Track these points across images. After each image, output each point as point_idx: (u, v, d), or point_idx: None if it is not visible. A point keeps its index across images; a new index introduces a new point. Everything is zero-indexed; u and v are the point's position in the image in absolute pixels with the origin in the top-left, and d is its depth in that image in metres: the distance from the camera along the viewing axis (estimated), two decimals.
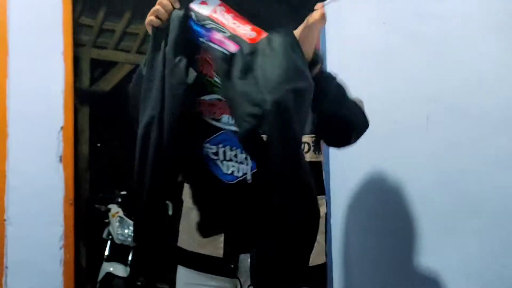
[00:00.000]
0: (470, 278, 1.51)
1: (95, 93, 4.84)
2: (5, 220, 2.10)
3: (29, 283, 2.12)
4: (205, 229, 1.22)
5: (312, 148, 1.28)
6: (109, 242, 3.31)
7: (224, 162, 1.16)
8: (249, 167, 1.15)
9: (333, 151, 2.15)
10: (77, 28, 4.46)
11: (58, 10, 2.30)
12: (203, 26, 1.07)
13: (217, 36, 1.05)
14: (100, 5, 4.27)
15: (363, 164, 1.95)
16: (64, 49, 2.29)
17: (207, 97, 1.17)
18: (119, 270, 3.11)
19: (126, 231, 3.26)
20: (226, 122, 1.16)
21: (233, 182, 1.16)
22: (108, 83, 5.01)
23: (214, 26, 1.06)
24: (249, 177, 1.16)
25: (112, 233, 3.32)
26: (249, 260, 1.19)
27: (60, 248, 2.22)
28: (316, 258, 1.21)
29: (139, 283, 3.44)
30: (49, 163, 2.22)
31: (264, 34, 1.05)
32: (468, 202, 1.56)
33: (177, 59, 1.07)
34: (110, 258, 3.23)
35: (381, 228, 1.88)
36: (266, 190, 1.08)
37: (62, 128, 2.25)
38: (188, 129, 1.14)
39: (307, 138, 1.27)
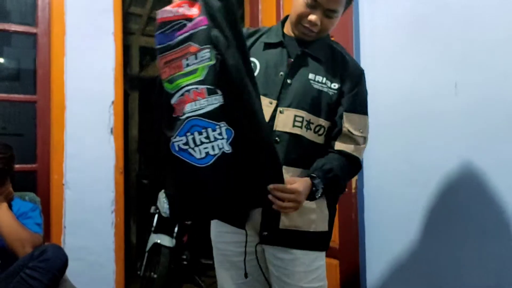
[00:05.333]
0: None
1: (144, 79, 5.10)
2: (63, 184, 2.33)
3: (85, 241, 2.35)
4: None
5: (325, 132, 1.37)
6: (156, 216, 3.52)
7: (196, 148, 1.18)
8: (224, 140, 1.18)
9: None
10: (127, 17, 4.73)
11: None
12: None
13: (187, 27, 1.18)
14: None
15: (395, 132, 2.01)
16: (114, 30, 2.49)
17: (174, 99, 1.20)
18: (165, 240, 3.30)
19: None
20: (190, 110, 1.18)
21: (211, 162, 1.18)
22: (156, 69, 5.23)
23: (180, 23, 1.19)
24: (227, 148, 1.18)
25: (159, 207, 3.52)
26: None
27: (112, 212, 2.43)
28: (318, 225, 1.35)
29: (184, 257, 3.65)
30: (101, 135, 2.44)
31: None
32: (503, 160, 1.60)
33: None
34: (157, 230, 3.44)
35: (411, 194, 1.94)
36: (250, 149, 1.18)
37: (113, 102, 2.46)
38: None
39: (323, 122, 1.35)
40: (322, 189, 1.28)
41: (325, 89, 1.34)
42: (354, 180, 2.13)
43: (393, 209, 2.04)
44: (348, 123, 1.35)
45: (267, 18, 2.70)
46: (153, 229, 3.46)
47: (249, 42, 1.41)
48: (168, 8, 1.18)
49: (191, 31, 1.18)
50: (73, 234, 2.33)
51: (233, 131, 1.18)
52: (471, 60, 1.70)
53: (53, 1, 2.37)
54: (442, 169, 1.80)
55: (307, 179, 1.26)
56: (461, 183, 1.73)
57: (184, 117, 1.18)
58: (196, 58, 1.18)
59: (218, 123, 1.18)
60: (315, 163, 1.32)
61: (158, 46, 1.19)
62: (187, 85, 1.18)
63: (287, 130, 1.31)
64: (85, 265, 2.32)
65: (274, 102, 1.32)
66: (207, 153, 1.18)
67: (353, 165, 1.37)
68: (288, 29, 1.41)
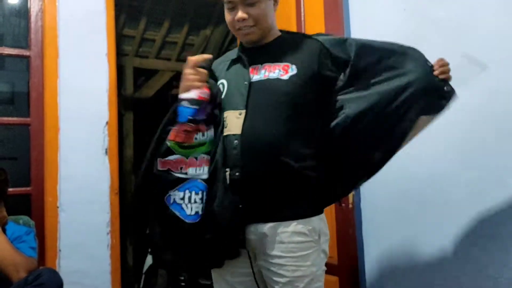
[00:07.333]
0: None
1: (139, 99, 5.12)
2: (58, 207, 2.30)
3: (80, 265, 2.31)
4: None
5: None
6: None
7: (189, 205, 1.33)
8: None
9: None
10: (121, 39, 4.77)
11: (102, 16, 2.51)
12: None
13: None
14: (141, 15, 4.53)
15: None
16: (108, 52, 2.50)
17: (172, 157, 1.36)
18: None
19: None
20: (193, 173, 1.35)
21: (197, 220, 1.32)
22: (150, 90, 5.28)
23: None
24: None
25: None
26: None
27: (107, 233, 2.39)
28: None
29: (182, 278, 3.60)
30: (96, 156, 2.41)
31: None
32: (493, 172, 1.60)
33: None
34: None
35: (407, 208, 1.93)
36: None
37: (107, 123, 2.45)
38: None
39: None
40: None
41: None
42: (351, 195, 2.12)
43: (390, 224, 2.03)
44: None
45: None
46: (149, 250, 3.42)
47: (217, 71, 1.49)
48: (204, 90, 1.36)
49: (205, 114, 1.38)
50: (68, 257, 2.29)
51: None
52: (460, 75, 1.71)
53: (46, 23, 2.38)
54: (436, 182, 1.80)
55: None
56: (456, 196, 1.72)
57: (186, 176, 1.36)
58: (203, 136, 1.38)
59: None
60: None
61: (190, 117, 1.35)
62: (197, 154, 1.38)
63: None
64: None
65: (243, 112, 1.33)
66: (196, 212, 1.34)
67: None
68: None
